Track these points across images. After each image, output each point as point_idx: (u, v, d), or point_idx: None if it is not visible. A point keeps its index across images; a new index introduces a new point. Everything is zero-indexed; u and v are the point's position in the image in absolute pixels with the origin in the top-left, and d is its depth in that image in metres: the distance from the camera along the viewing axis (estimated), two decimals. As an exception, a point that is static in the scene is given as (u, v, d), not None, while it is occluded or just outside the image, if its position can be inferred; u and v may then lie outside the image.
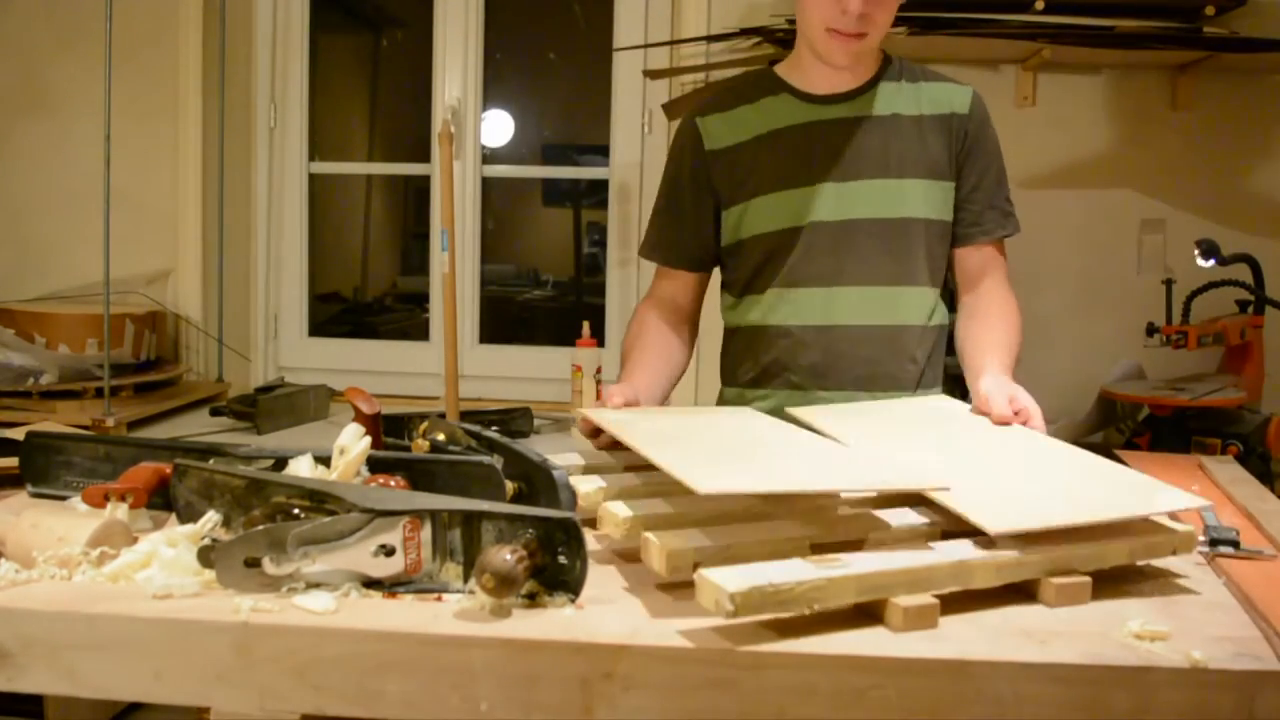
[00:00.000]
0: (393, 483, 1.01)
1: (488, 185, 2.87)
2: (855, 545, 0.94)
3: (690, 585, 0.82)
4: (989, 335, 1.50)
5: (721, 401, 1.67)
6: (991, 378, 1.36)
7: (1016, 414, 1.27)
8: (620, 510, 0.97)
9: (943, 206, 1.55)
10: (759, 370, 1.58)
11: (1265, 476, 1.97)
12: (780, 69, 1.60)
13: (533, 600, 0.84)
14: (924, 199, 1.53)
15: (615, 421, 1.18)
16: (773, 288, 1.55)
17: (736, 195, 1.56)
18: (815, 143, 1.54)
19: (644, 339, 1.58)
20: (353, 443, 1.04)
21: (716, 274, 1.68)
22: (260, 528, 0.85)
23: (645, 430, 1.13)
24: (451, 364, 2.37)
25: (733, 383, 1.65)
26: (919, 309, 1.56)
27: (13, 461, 1.16)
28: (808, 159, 1.53)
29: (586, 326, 2.54)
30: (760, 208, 1.54)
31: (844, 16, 1.42)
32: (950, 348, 1.60)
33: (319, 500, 0.90)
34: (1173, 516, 1.13)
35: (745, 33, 2.46)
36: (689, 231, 1.61)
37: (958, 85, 1.59)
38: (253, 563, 0.83)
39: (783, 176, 1.53)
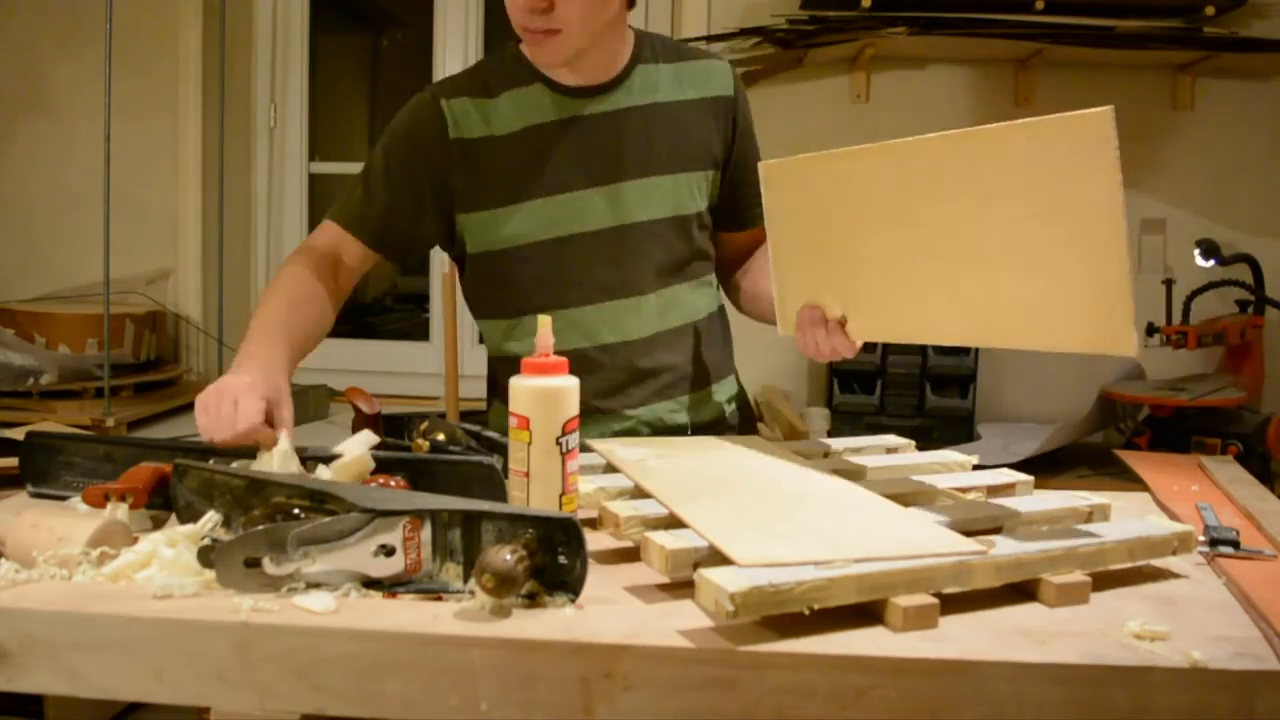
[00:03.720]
0: (393, 483, 1.01)
1: (488, 185, 2.86)
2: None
3: (690, 585, 0.82)
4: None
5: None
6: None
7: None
8: (620, 510, 0.97)
9: (704, 196, 1.45)
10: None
11: (1265, 476, 1.97)
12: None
13: (533, 600, 0.84)
14: (684, 194, 1.42)
15: (629, 462, 1.13)
16: (555, 307, 1.35)
17: (484, 198, 1.37)
18: (576, 142, 1.37)
19: (288, 293, 1.35)
20: (355, 448, 1.04)
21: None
22: (260, 528, 0.85)
23: (667, 475, 1.07)
24: (451, 364, 2.38)
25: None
26: (708, 298, 1.49)
27: (12, 461, 1.16)
28: (571, 161, 1.37)
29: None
30: (522, 215, 1.37)
31: (528, 15, 1.25)
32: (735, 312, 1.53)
33: (319, 500, 0.90)
34: (1173, 517, 1.13)
35: (745, 33, 2.46)
36: (394, 213, 1.39)
37: (715, 61, 1.47)
38: (253, 563, 0.83)
39: (546, 181, 1.37)
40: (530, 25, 1.26)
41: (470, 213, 1.38)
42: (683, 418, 1.46)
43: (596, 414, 1.40)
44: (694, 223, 1.44)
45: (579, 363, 1.28)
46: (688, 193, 1.43)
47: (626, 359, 1.41)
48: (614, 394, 1.42)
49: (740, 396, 1.57)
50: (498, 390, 1.48)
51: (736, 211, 1.48)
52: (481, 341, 2.86)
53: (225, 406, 1.06)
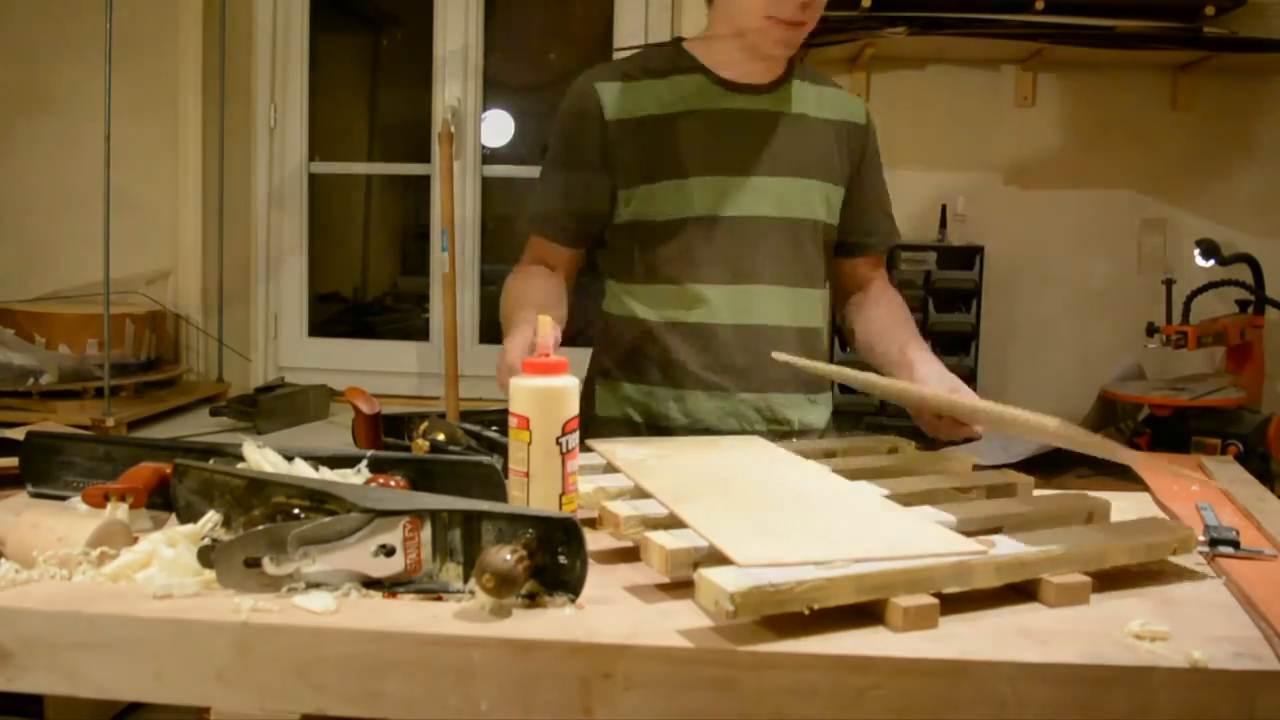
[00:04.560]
0: (393, 483, 1.01)
1: (488, 185, 2.87)
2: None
3: (690, 585, 0.82)
4: (895, 318, 1.52)
5: (616, 398, 1.53)
6: (925, 365, 1.35)
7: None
8: (620, 510, 0.97)
9: (834, 211, 1.54)
10: (673, 367, 1.47)
11: (1265, 476, 1.97)
12: (693, 47, 1.51)
13: (533, 600, 0.84)
14: (823, 202, 1.51)
15: (629, 462, 1.13)
16: (686, 281, 1.46)
17: (639, 174, 1.46)
18: (730, 132, 1.47)
19: (533, 287, 1.46)
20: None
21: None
22: (260, 528, 0.85)
23: (666, 476, 1.07)
24: (451, 364, 2.38)
25: (637, 379, 1.51)
26: (821, 311, 1.56)
27: (13, 461, 1.16)
28: (721, 148, 1.46)
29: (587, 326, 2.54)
30: (667, 192, 1.45)
31: (787, 4, 1.37)
32: (841, 342, 1.61)
33: (319, 500, 0.90)
34: (1173, 517, 1.13)
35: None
36: (583, 206, 1.49)
37: (852, 95, 1.61)
38: (253, 563, 0.83)
39: (694, 162, 1.45)
40: (787, 15, 1.38)
41: (627, 188, 1.46)
42: (792, 413, 1.51)
43: (712, 390, 1.46)
44: (824, 231, 1.53)
45: (703, 337, 1.46)
46: (824, 201, 1.52)
47: (747, 342, 1.47)
48: (731, 374, 1.47)
49: (831, 414, 1.61)
50: (620, 347, 1.53)
51: (847, 234, 1.56)
52: (483, 340, 2.87)
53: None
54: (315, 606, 0.81)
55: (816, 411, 1.55)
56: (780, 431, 1.47)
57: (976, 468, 1.24)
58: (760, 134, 1.47)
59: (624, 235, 1.49)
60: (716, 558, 0.84)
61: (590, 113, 1.46)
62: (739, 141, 1.47)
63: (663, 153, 1.45)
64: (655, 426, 1.48)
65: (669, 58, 1.50)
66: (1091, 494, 1.10)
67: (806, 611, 0.78)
